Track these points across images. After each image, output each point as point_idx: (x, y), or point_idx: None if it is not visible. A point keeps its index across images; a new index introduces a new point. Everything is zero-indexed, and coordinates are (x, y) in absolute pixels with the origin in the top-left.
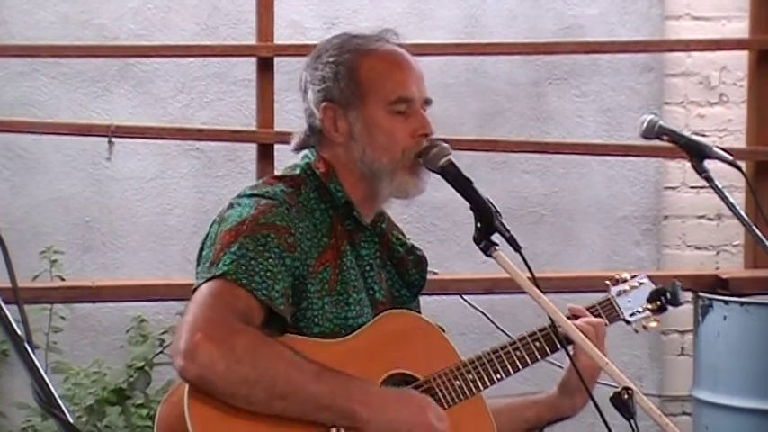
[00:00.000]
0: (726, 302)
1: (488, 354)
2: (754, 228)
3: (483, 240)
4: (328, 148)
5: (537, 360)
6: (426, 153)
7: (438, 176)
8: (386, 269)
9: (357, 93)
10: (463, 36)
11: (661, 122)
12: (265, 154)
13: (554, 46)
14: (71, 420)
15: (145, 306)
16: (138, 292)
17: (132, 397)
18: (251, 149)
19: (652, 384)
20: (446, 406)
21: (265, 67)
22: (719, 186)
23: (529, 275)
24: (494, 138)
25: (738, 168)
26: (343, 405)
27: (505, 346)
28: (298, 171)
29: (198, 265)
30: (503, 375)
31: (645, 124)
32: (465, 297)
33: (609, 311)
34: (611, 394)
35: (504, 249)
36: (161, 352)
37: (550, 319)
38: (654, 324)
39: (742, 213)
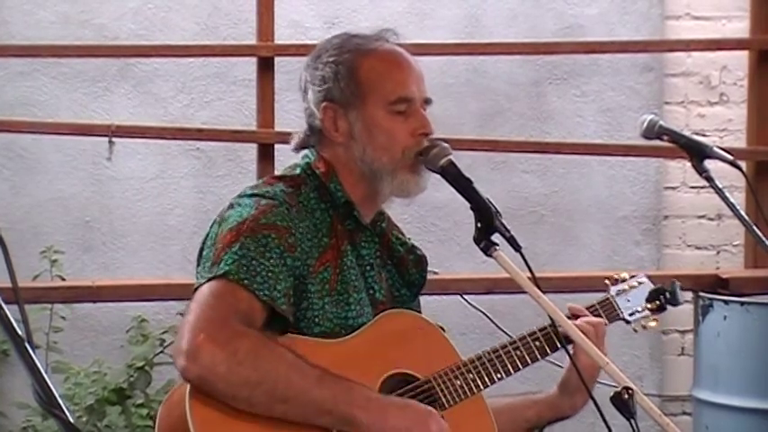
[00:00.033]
0: (726, 302)
1: (488, 353)
2: (755, 228)
3: (483, 240)
4: (328, 148)
5: (537, 360)
6: (427, 153)
7: (438, 176)
8: (386, 269)
9: (357, 92)
10: (463, 36)
11: (661, 122)
12: (265, 154)
13: (554, 46)
14: (71, 420)
15: (145, 306)
16: (139, 292)
17: (132, 397)
18: (251, 149)
19: (652, 384)
20: (447, 405)
21: (266, 67)
22: (720, 186)
23: (529, 275)
24: (494, 138)
25: (739, 168)
26: (345, 410)
27: (505, 346)
28: (298, 171)
29: (198, 264)
30: (503, 375)
31: (645, 124)
32: (465, 297)
33: (608, 311)
34: (612, 394)
35: (504, 249)
36: (161, 352)
37: (550, 318)
38: (653, 324)
39: (742, 213)
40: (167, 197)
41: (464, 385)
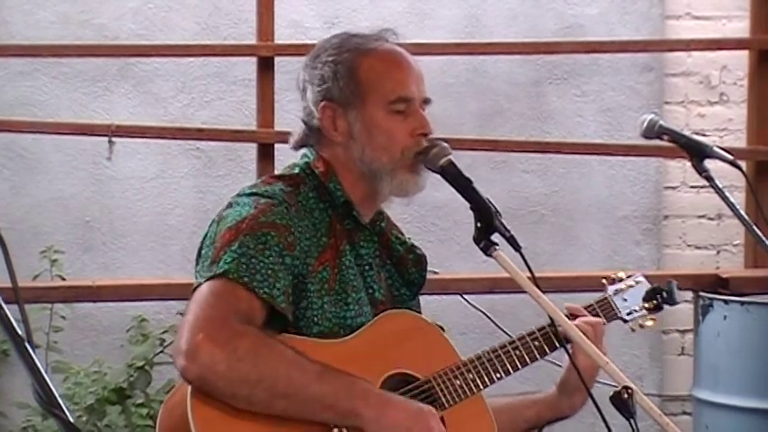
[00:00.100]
0: (726, 302)
1: (488, 353)
2: (755, 227)
3: (483, 240)
4: (327, 148)
5: (536, 359)
6: (426, 153)
7: (438, 176)
8: (385, 268)
9: (356, 92)
10: (463, 36)
11: (661, 122)
12: (265, 153)
13: (554, 46)
14: (71, 420)
15: (145, 306)
16: (139, 292)
17: (132, 396)
18: (251, 149)
19: (652, 384)
20: (446, 405)
21: (266, 67)
22: (720, 186)
23: (529, 275)
24: (494, 137)
25: (739, 168)
26: (346, 405)
27: (505, 346)
28: (297, 170)
29: (197, 264)
30: (502, 375)
31: (645, 124)
32: (465, 297)
33: (606, 310)
34: (611, 394)
35: (504, 249)
36: (161, 351)
37: (550, 318)
38: (650, 323)
39: (742, 213)
40: (167, 197)
41: (464, 385)
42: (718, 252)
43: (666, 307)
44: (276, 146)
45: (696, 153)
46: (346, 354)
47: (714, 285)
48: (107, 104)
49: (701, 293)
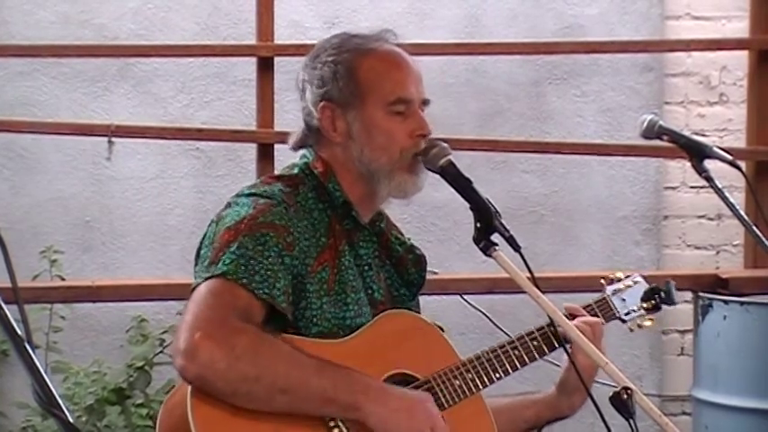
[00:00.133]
0: (726, 302)
1: (487, 353)
2: (754, 228)
3: (483, 240)
4: (326, 148)
5: (535, 359)
6: (426, 153)
7: (438, 176)
8: (385, 269)
9: (356, 92)
10: (463, 36)
11: (661, 122)
12: (265, 154)
13: (554, 46)
14: (71, 420)
15: (145, 306)
16: (138, 292)
17: (132, 397)
18: (251, 149)
19: (652, 384)
20: (446, 405)
21: (265, 67)
22: (719, 186)
23: (528, 275)
24: (494, 138)
25: (738, 168)
26: (347, 398)
27: (504, 346)
28: (296, 171)
29: (196, 264)
30: (501, 375)
31: (645, 124)
32: (465, 297)
33: (605, 310)
34: (611, 394)
35: (503, 249)
36: (161, 352)
37: (549, 318)
38: (648, 323)
39: (742, 213)
40: (167, 197)
41: (463, 385)
42: (718, 252)
43: (665, 307)
44: (276, 146)
45: (696, 153)
46: (346, 354)
47: (714, 286)
48: (107, 104)
49: (701, 294)
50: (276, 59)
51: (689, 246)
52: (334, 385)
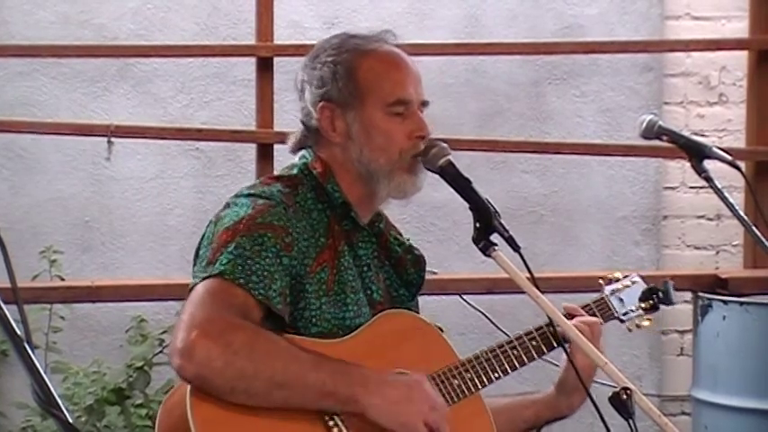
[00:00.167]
0: (725, 302)
1: (486, 353)
2: (754, 228)
3: (482, 240)
4: (325, 148)
5: (534, 359)
6: (425, 153)
7: (437, 176)
8: (384, 269)
9: (355, 93)
10: (463, 36)
11: (660, 122)
12: (265, 154)
13: (554, 46)
14: (70, 420)
15: (144, 306)
16: (138, 292)
17: (132, 397)
18: (250, 149)
19: (651, 384)
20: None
21: (265, 67)
22: (719, 186)
23: (528, 275)
24: (493, 138)
25: (738, 168)
26: (345, 391)
27: (502, 345)
28: (295, 171)
29: (195, 264)
30: (500, 374)
31: (644, 124)
32: (464, 297)
33: (603, 310)
34: (611, 394)
35: (503, 249)
36: (160, 352)
37: (549, 318)
38: (646, 323)
39: (741, 213)
40: (167, 197)
41: (462, 385)
42: (718, 252)
43: (663, 307)
44: (275, 146)
45: (695, 153)
46: (344, 353)
47: (713, 286)
48: (106, 105)
49: (700, 294)
50: (276, 60)
51: (688, 246)
52: (332, 379)
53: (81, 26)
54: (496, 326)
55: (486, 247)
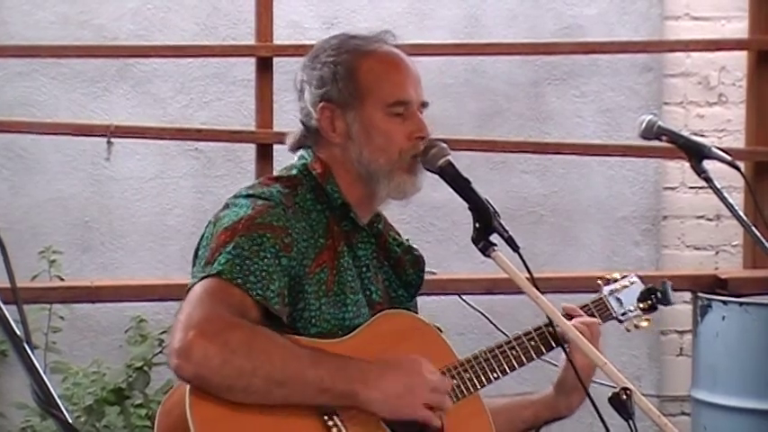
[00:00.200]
0: (725, 303)
1: (485, 353)
2: (753, 228)
3: (481, 240)
4: (325, 149)
5: (533, 359)
6: (425, 153)
7: (437, 176)
8: (383, 270)
9: (355, 93)
10: (463, 36)
11: (660, 123)
12: (264, 154)
13: (553, 46)
14: (70, 420)
15: (144, 306)
16: (138, 292)
17: (131, 397)
18: (250, 149)
19: (651, 384)
20: None
21: (264, 68)
22: (718, 187)
23: (527, 276)
24: (493, 138)
25: (737, 169)
26: (344, 387)
27: (501, 345)
28: (294, 172)
29: (194, 264)
30: (499, 374)
31: (644, 124)
32: (464, 297)
33: (602, 311)
34: (610, 394)
35: (502, 250)
36: (160, 352)
37: (548, 318)
38: (645, 323)
39: (741, 214)
40: (166, 197)
41: (461, 385)
42: (717, 253)
43: (661, 307)
44: (275, 146)
45: (695, 154)
46: (343, 353)
47: (713, 286)
48: (106, 105)
49: (700, 294)
50: (275, 60)
51: (688, 246)
52: (330, 375)
53: (81, 26)
54: (496, 326)
55: (485, 248)
